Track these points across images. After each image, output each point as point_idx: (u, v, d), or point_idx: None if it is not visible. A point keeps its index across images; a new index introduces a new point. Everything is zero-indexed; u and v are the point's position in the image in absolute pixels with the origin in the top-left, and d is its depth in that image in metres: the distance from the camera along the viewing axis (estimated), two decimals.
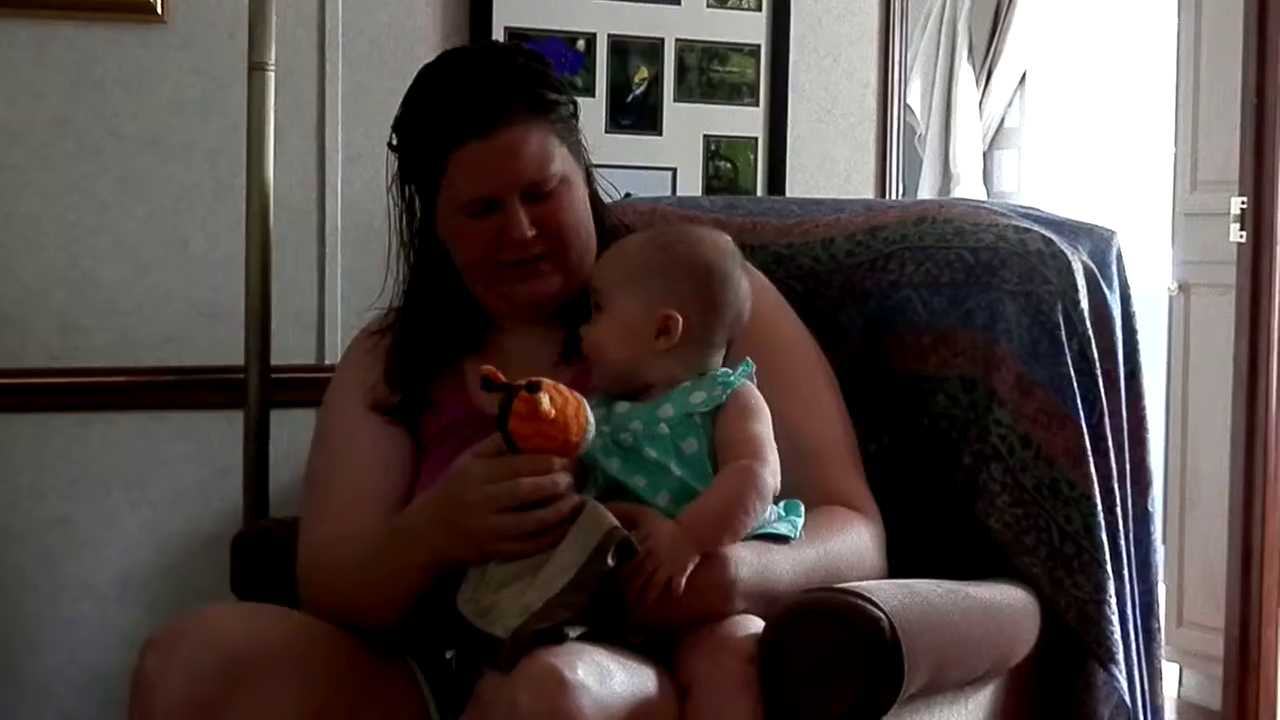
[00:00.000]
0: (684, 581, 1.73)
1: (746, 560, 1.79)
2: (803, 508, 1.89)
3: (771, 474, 1.80)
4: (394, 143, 2.09)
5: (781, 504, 1.87)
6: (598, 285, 1.92)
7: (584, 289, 2.02)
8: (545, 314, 2.07)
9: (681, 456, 1.81)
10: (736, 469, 1.79)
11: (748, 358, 1.90)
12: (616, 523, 1.72)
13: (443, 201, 2.03)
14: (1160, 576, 2.34)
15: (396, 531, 1.90)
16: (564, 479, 1.76)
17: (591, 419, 1.77)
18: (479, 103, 2.00)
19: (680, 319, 1.87)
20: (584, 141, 2.11)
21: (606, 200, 2.19)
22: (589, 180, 2.11)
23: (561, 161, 2.03)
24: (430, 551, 1.84)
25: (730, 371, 1.87)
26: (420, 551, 1.85)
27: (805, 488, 1.93)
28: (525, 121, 2.00)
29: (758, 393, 1.87)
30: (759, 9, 3.23)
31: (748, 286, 1.94)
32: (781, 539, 1.84)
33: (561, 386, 1.76)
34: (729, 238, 1.96)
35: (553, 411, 1.72)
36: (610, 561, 1.70)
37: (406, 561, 1.87)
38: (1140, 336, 2.31)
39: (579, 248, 2.05)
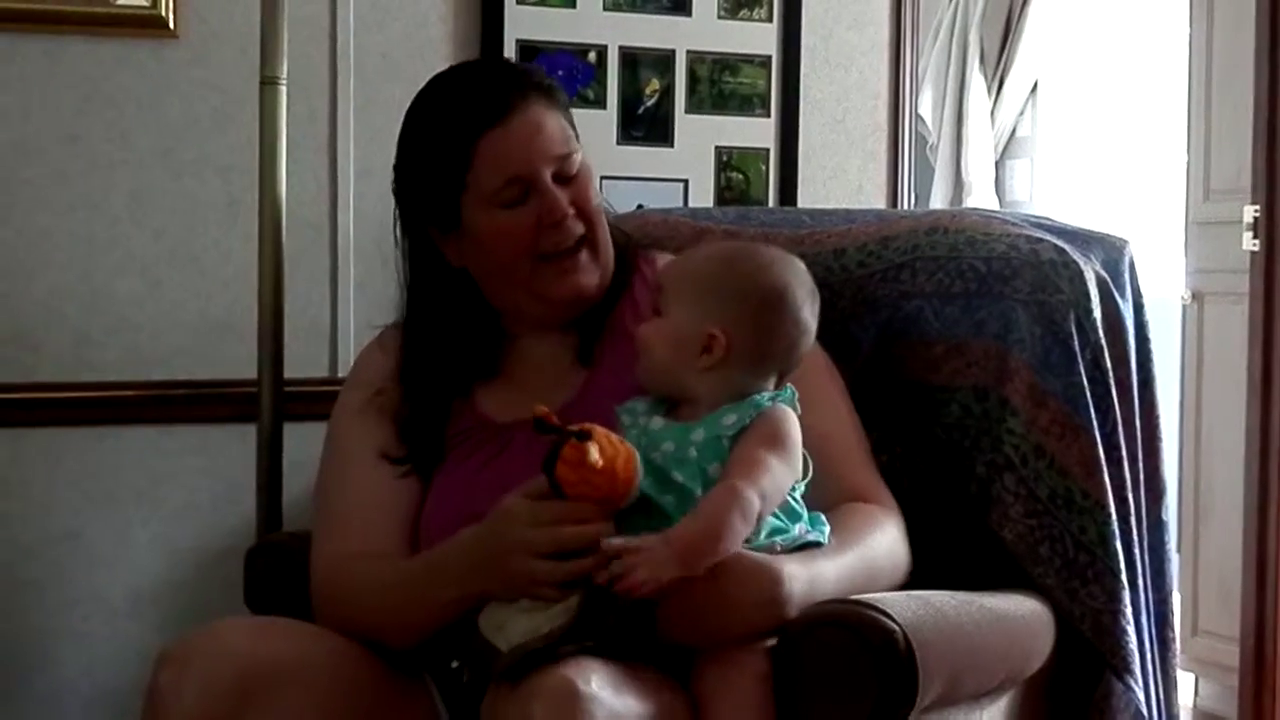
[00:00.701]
0: (656, 586, 1.69)
1: (798, 575, 1.78)
2: (824, 518, 1.89)
3: (760, 495, 1.76)
4: (396, 181, 2.07)
5: (805, 516, 1.87)
6: (663, 284, 1.91)
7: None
8: (579, 313, 2.05)
9: (707, 481, 1.79)
10: (722, 488, 1.76)
11: (789, 385, 1.89)
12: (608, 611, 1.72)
13: (472, 207, 2.00)
14: (1175, 586, 2.33)
15: (431, 566, 1.88)
16: (607, 529, 1.74)
17: (640, 469, 1.75)
18: (491, 90, 2.00)
19: (725, 340, 1.85)
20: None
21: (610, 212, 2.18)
22: None
23: (580, 147, 2.04)
24: (462, 588, 1.82)
25: (769, 394, 1.86)
26: (453, 588, 1.83)
27: (824, 483, 1.92)
28: (540, 101, 2.01)
29: (790, 417, 1.84)
30: (770, 20, 3.23)
31: (810, 320, 1.92)
32: (817, 545, 1.84)
33: (614, 436, 1.74)
34: (803, 266, 1.94)
35: (601, 462, 1.70)
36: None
37: (439, 596, 1.85)
38: (1153, 345, 2.31)
39: (604, 238, 2.05)
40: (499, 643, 1.71)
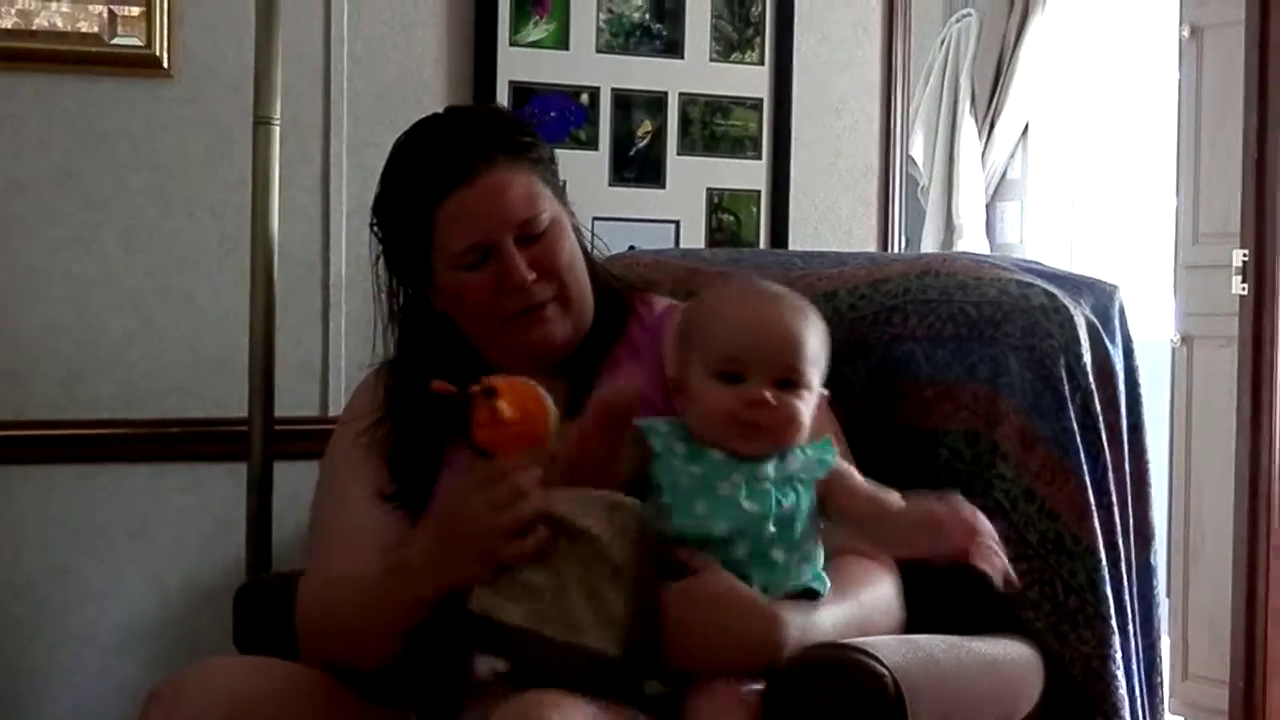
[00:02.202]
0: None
1: (795, 622, 1.79)
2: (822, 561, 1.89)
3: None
4: (375, 224, 2.08)
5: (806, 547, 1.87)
6: (806, 360, 1.86)
7: (585, 340, 2.03)
8: (555, 363, 2.06)
9: (780, 515, 1.82)
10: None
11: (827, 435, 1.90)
12: (638, 506, 1.74)
13: (439, 265, 2.02)
14: (1164, 629, 2.33)
15: (395, 570, 1.86)
16: (541, 472, 1.75)
17: (549, 399, 1.76)
18: (456, 152, 2.00)
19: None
20: (566, 193, 2.11)
21: (599, 256, 2.18)
22: (577, 231, 2.11)
23: (550, 204, 2.03)
24: (434, 581, 1.80)
25: (814, 446, 1.88)
26: (423, 584, 1.81)
27: (827, 531, 1.92)
28: (507, 163, 2.00)
29: None
30: (761, 63, 3.25)
31: None
32: (815, 594, 1.84)
33: (514, 380, 1.75)
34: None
35: (512, 412, 1.71)
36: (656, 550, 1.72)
37: (408, 597, 1.83)
38: (1143, 389, 2.32)
39: (579, 290, 2.05)
40: (511, 618, 1.70)
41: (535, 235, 2.00)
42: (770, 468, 1.83)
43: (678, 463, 1.83)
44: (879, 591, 1.94)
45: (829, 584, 1.86)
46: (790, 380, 1.83)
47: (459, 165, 1.98)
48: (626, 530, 1.72)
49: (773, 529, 1.80)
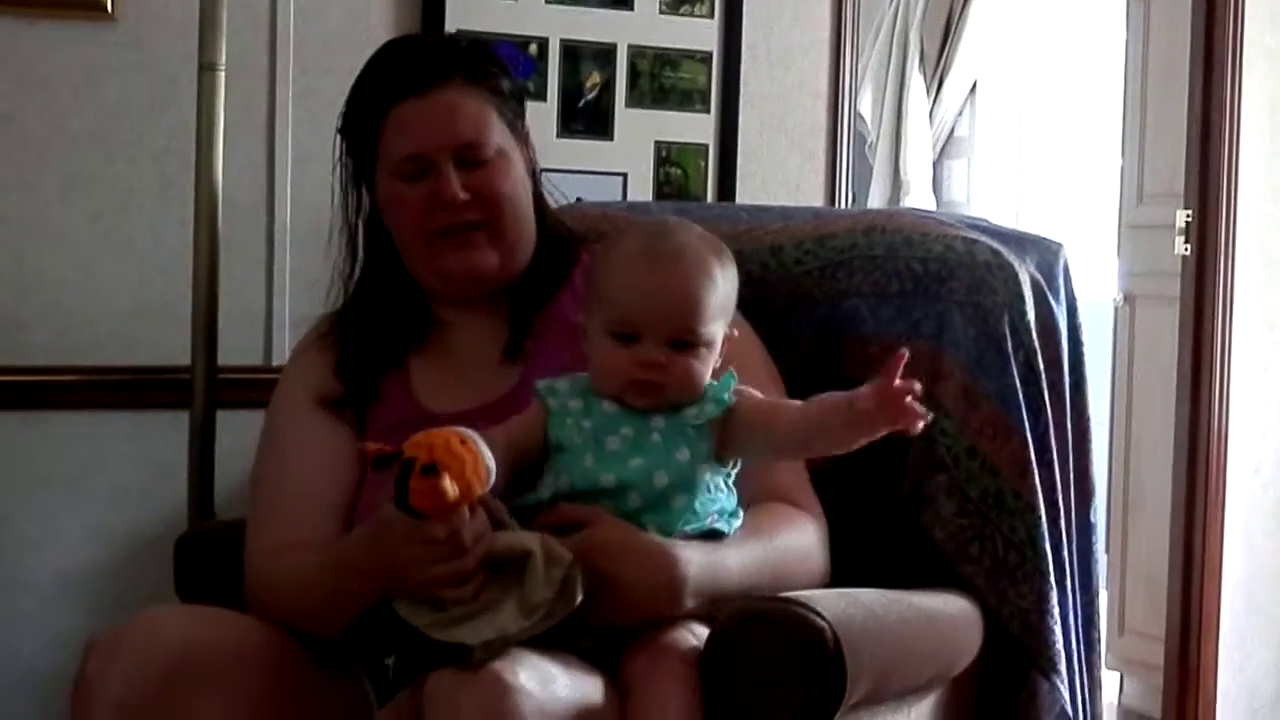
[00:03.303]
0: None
1: (695, 559, 1.79)
2: (741, 511, 1.89)
3: None
4: (339, 125, 2.10)
5: (733, 504, 1.87)
6: (702, 322, 1.85)
7: (523, 280, 2.04)
8: (483, 293, 2.07)
9: (673, 465, 1.82)
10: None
11: (731, 369, 1.89)
12: (571, 556, 1.71)
13: (380, 170, 2.04)
14: (1102, 585, 2.36)
15: (339, 561, 1.86)
16: (478, 526, 1.72)
17: (490, 460, 1.71)
18: (418, 65, 2.03)
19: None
20: (530, 137, 2.11)
21: (552, 204, 2.18)
22: (534, 176, 2.11)
23: (500, 136, 2.04)
24: (371, 583, 1.80)
25: (717, 385, 1.87)
26: (363, 582, 1.81)
27: (748, 482, 1.93)
28: (464, 86, 2.03)
29: None
30: (711, 16, 3.24)
31: None
32: (719, 535, 1.84)
33: (455, 442, 1.68)
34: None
35: (454, 493, 1.66)
36: (578, 599, 1.70)
37: (350, 588, 1.84)
38: (1085, 348, 2.33)
39: (515, 225, 2.05)
40: (463, 637, 1.68)
41: (477, 161, 2.02)
42: (661, 419, 1.84)
43: (571, 420, 1.84)
44: (797, 538, 1.94)
45: (737, 525, 1.86)
46: (686, 341, 1.83)
47: (417, 78, 2.01)
48: (559, 560, 1.71)
49: (666, 478, 1.81)
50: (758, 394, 1.88)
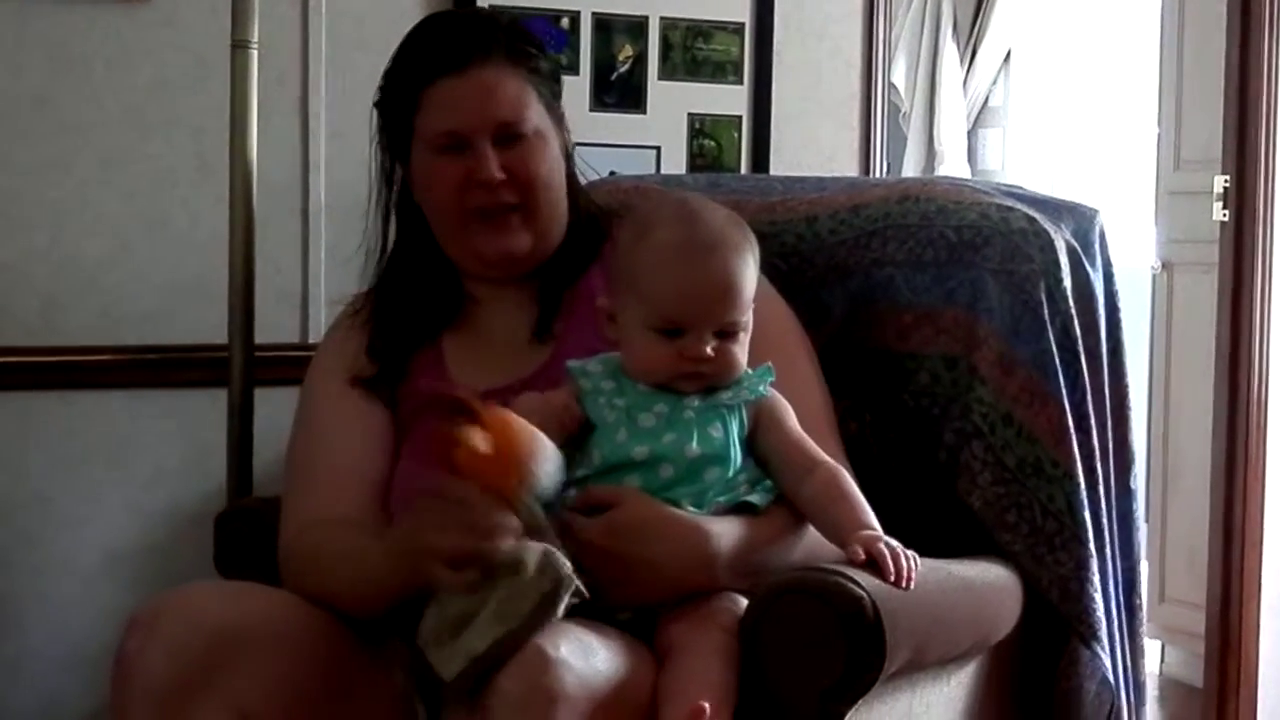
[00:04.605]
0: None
1: (727, 533, 1.80)
2: (771, 485, 1.88)
3: None
4: (376, 99, 2.10)
5: (751, 470, 1.87)
6: (744, 310, 1.85)
7: (554, 259, 2.04)
8: (515, 275, 2.07)
9: (704, 438, 1.82)
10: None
11: (769, 362, 1.89)
12: (570, 570, 1.68)
13: (417, 145, 2.04)
14: (1143, 553, 2.35)
15: (369, 552, 1.85)
16: (505, 522, 1.69)
17: (545, 452, 1.70)
18: (458, 41, 2.03)
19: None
20: (565, 118, 2.11)
21: (584, 182, 2.18)
22: (568, 157, 2.11)
23: (538, 116, 2.04)
24: (395, 577, 1.79)
25: (754, 373, 1.87)
26: (389, 575, 1.81)
27: None
28: (503, 64, 2.02)
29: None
30: None
31: None
32: (753, 508, 1.84)
33: (508, 416, 1.69)
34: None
35: (489, 448, 1.64)
36: (559, 613, 1.66)
37: (380, 578, 1.83)
38: (1123, 315, 2.32)
39: (549, 208, 2.05)
40: (442, 673, 1.67)
41: (513, 139, 2.01)
42: (696, 398, 1.84)
43: (604, 399, 1.84)
44: None
45: (769, 499, 1.86)
46: (728, 331, 1.83)
47: (457, 54, 2.01)
48: (551, 569, 1.68)
49: (699, 450, 1.81)
50: (792, 417, 1.88)
